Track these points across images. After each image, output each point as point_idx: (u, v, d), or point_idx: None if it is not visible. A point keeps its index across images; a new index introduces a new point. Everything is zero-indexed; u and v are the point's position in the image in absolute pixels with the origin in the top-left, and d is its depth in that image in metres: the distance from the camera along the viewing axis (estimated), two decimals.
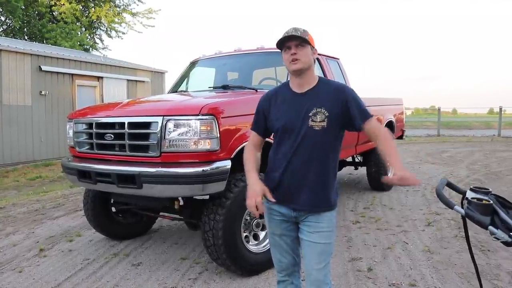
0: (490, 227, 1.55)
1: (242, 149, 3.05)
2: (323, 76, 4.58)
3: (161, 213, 3.90)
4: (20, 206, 5.97)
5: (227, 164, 2.98)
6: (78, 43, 20.13)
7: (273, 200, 1.88)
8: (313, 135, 1.84)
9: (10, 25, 20.77)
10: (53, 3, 21.04)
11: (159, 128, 2.94)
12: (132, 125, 3.13)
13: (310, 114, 1.84)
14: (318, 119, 1.83)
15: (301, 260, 2.06)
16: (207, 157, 2.92)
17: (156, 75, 15.37)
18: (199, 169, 2.84)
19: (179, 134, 2.92)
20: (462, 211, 1.64)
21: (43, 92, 11.02)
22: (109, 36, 23.44)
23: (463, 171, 8.19)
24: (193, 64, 5.07)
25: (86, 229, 4.59)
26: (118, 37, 23.51)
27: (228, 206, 3.03)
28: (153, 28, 41.78)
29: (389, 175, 6.38)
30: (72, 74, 11.90)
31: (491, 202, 1.58)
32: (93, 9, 22.17)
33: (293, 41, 1.85)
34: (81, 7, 22.00)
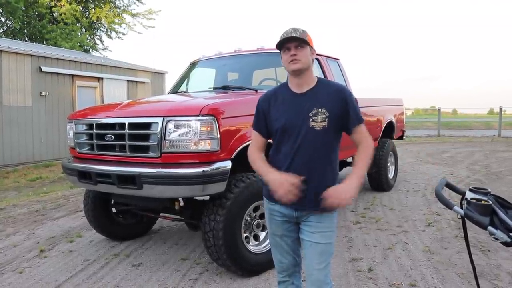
0: (489, 228, 1.55)
1: (243, 149, 3.06)
2: (323, 76, 4.59)
3: (161, 214, 3.91)
4: (20, 207, 5.97)
5: (228, 164, 2.98)
6: (78, 44, 20.14)
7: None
8: (314, 135, 1.85)
9: (10, 26, 20.79)
10: (53, 4, 21.06)
11: (159, 129, 2.95)
12: (132, 125, 3.13)
13: (311, 114, 1.85)
14: (319, 119, 1.84)
15: (302, 261, 2.07)
16: (207, 157, 2.93)
17: (156, 76, 15.38)
18: (200, 169, 2.85)
19: (179, 135, 2.92)
20: (461, 211, 1.64)
21: (43, 93, 11.02)
22: (109, 37, 23.46)
23: (463, 171, 8.19)
24: (193, 65, 5.07)
25: (86, 230, 4.60)
26: (118, 38, 23.53)
27: (229, 206, 3.04)
28: (153, 29, 41.87)
29: (390, 175, 6.39)
30: (72, 75, 11.90)
31: (490, 202, 1.59)
32: (93, 10, 22.19)
33: (293, 42, 1.85)
34: (81, 8, 22.01)
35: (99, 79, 12.74)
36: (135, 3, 23.97)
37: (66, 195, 6.76)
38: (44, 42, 19.91)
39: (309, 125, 1.84)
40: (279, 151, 1.92)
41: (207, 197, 3.17)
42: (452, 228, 4.36)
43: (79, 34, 21.19)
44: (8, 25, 20.98)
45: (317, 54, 4.54)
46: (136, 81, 14.22)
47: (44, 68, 11.00)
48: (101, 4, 21.99)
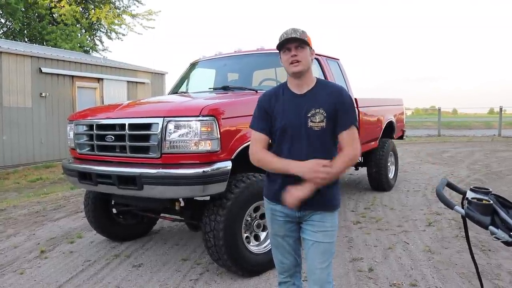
0: (491, 227, 1.55)
1: (243, 149, 3.06)
2: (323, 76, 4.59)
3: (162, 214, 3.91)
4: (21, 208, 5.97)
5: (228, 165, 2.98)
6: (78, 45, 20.16)
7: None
8: (313, 136, 1.85)
9: (10, 27, 20.81)
10: (53, 5, 21.08)
11: (159, 130, 2.95)
12: (132, 126, 3.13)
13: (309, 115, 1.85)
14: (317, 120, 1.84)
15: (302, 261, 2.07)
16: (207, 158, 2.93)
17: (156, 77, 15.39)
18: (200, 170, 2.85)
19: (179, 135, 2.92)
20: (462, 211, 1.64)
21: (43, 94, 11.03)
22: (109, 37, 23.50)
23: (464, 171, 8.19)
24: (193, 66, 5.08)
25: (87, 231, 4.60)
26: (118, 38, 23.58)
27: (229, 207, 3.04)
28: (153, 30, 41.88)
29: (390, 175, 6.39)
30: (72, 76, 11.91)
31: (491, 202, 1.59)
32: (93, 11, 22.21)
33: (293, 42, 1.85)
34: (81, 9, 22.03)
35: (99, 80, 12.75)
36: (135, 4, 24.07)
37: (66, 196, 6.76)
38: (44, 43, 19.93)
39: (308, 125, 1.85)
40: (279, 151, 1.91)
41: (208, 198, 3.17)
42: (453, 228, 4.36)
43: (79, 35, 21.22)
44: (8, 26, 21.01)
45: (317, 54, 4.56)
46: (136, 82, 14.22)
47: (44, 69, 11.01)
48: (101, 5, 22.01)
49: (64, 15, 20.61)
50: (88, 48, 21.89)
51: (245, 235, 3.23)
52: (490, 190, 1.64)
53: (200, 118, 2.89)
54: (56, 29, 20.15)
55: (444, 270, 3.27)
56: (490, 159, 9.91)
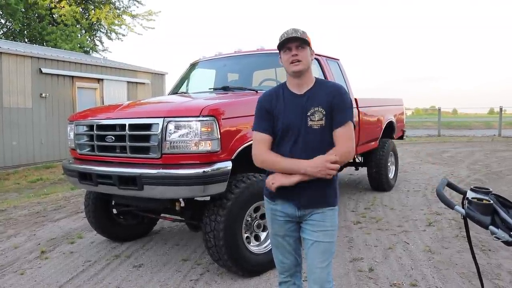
0: (491, 227, 1.55)
1: (243, 150, 3.07)
2: (323, 77, 4.59)
3: (162, 215, 3.91)
4: (21, 209, 5.97)
5: (228, 165, 2.98)
6: (78, 45, 20.17)
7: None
8: (313, 134, 1.86)
9: (10, 27, 20.83)
10: (53, 6, 21.09)
11: (160, 130, 2.95)
12: (133, 126, 3.13)
13: (309, 113, 1.86)
14: (317, 118, 1.85)
15: (302, 260, 2.07)
16: (208, 158, 2.93)
17: (156, 77, 15.39)
18: (200, 170, 2.85)
19: (179, 136, 2.92)
20: (463, 211, 1.64)
21: (43, 95, 11.04)
22: (109, 38, 23.53)
23: (464, 171, 8.19)
24: (193, 66, 5.08)
25: (87, 231, 4.60)
26: (118, 39, 23.60)
27: (229, 207, 3.04)
28: (153, 30, 41.90)
29: (390, 175, 6.39)
30: (73, 76, 11.92)
31: (492, 202, 1.59)
32: (93, 11, 22.23)
33: (294, 42, 1.86)
34: (81, 10, 22.05)
35: (99, 80, 12.75)
36: (134, 4, 24.03)
37: (66, 197, 6.77)
38: (44, 43, 19.94)
39: (308, 124, 1.86)
40: (280, 151, 1.92)
41: (208, 198, 3.17)
42: (453, 228, 4.36)
43: (79, 35, 21.23)
44: (8, 26, 21.02)
45: (317, 54, 4.57)
46: (136, 82, 14.23)
47: (44, 70, 11.01)
48: (101, 5, 22.03)
49: (64, 15, 20.63)
50: (88, 49, 21.90)
51: (246, 235, 3.23)
52: (490, 190, 1.64)
53: (200, 118, 2.90)
54: (56, 30, 20.16)
55: (445, 270, 3.27)
56: (490, 159, 9.91)
